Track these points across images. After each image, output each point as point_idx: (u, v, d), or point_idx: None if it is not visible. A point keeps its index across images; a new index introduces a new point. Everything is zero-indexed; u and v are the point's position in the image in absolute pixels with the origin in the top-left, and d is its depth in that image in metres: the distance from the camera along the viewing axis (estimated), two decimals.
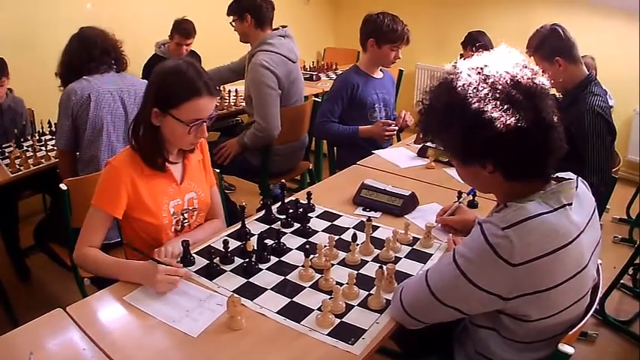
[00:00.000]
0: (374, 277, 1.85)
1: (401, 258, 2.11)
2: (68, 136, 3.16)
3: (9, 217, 3.93)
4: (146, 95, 2.22)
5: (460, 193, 2.43)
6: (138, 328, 1.73)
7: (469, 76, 1.52)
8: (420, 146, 3.41)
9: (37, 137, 3.91)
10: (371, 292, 1.85)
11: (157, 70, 2.20)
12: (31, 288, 3.89)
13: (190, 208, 2.35)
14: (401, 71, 5.94)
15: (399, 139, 4.15)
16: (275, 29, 4.06)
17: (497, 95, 1.46)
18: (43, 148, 3.73)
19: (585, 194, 1.64)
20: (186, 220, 2.34)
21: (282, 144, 4.03)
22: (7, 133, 4.03)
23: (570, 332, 1.55)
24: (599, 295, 1.75)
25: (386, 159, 3.31)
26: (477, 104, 1.46)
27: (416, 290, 1.66)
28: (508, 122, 1.44)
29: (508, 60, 1.55)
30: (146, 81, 3.24)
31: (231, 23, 4.12)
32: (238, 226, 2.30)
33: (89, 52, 3.20)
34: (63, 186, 2.68)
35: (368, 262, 2.07)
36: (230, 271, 2.01)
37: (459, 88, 1.51)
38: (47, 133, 4.06)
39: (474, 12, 6.80)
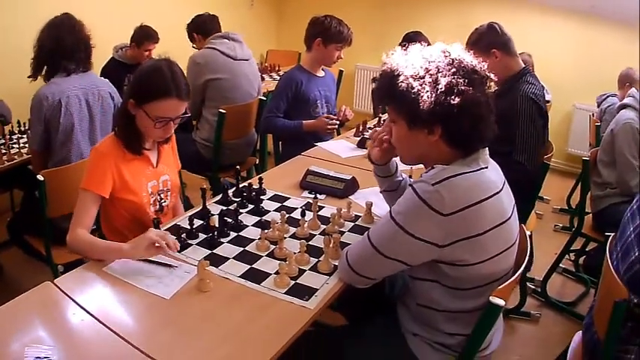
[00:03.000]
0: (322, 247, 2.12)
1: (345, 232, 2.38)
2: (41, 138, 3.28)
3: None
4: (128, 87, 2.45)
5: None
6: (118, 293, 1.94)
7: (442, 54, 1.84)
8: (359, 138, 3.70)
9: (9, 136, 4.04)
10: (320, 259, 2.12)
11: (142, 65, 2.43)
12: (3, 282, 3.97)
13: (165, 189, 2.59)
14: (341, 71, 6.19)
15: (339, 133, 4.42)
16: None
17: (462, 73, 1.78)
18: (15, 145, 3.87)
19: (496, 165, 1.97)
20: (163, 200, 2.58)
21: (231, 139, 4.29)
22: None
23: (501, 286, 1.80)
24: (527, 267, 2.05)
25: (328, 150, 3.59)
26: (449, 78, 1.76)
27: (360, 249, 1.92)
28: (471, 97, 1.77)
29: (465, 52, 1.88)
30: (107, 80, 3.43)
31: (193, 47, 4.76)
32: (200, 207, 2.53)
33: (63, 45, 3.28)
34: (40, 177, 2.85)
35: (316, 235, 2.35)
36: (196, 244, 2.25)
37: (432, 62, 1.81)
38: (16, 132, 4.18)
39: (412, 13, 7.12)
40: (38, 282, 1.96)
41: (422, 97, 1.77)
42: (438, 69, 1.79)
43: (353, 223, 2.48)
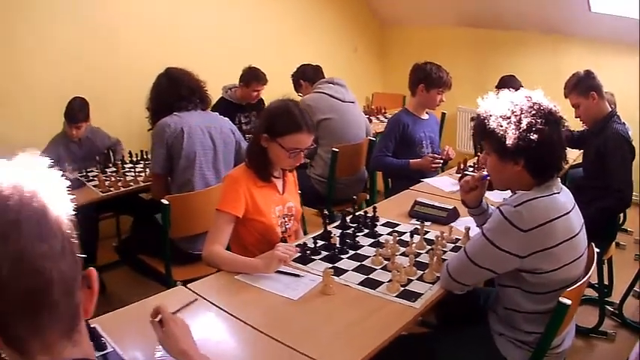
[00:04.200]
0: (427, 262, 2.51)
1: (446, 251, 2.72)
2: (163, 162, 3.58)
3: (91, 236, 4.34)
4: (259, 123, 2.87)
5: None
6: (250, 295, 2.36)
7: (525, 98, 2.23)
8: (460, 175, 4.05)
9: (121, 164, 4.48)
10: (425, 271, 2.48)
11: (271, 105, 2.87)
12: (107, 301, 4.19)
13: (289, 214, 2.97)
14: (444, 114, 6.49)
15: (442, 170, 4.74)
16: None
17: (540, 115, 2.17)
18: (130, 173, 4.34)
19: (568, 191, 2.30)
20: (287, 223, 2.96)
21: (344, 176, 4.69)
22: (85, 160, 4.56)
23: (571, 288, 2.13)
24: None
25: (433, 185, 3.95)
26: (530, 118, 2.15)
27: (458, 260, 2.30)
28: (546, 135, 2.15)
29: (543, 96, 2.26)
30: (227, 119, 3.83)
31: (299, 95, 5.24)
32: (321, 230, 2.93)
33: (177, 91, 3.64)
34: (165, 201, 3.27)
35: (422, 253, 2.71)
36: (319, 259, 2.66)
37: (517, 105, 2.21)
38: (127, 161, 4.67)
39: (507, 59, 7.36)
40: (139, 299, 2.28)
41: (508, 134, 2.17)
42: (522, 111, 2.17)
43: (453, 245, 2.83)
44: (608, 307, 4.08)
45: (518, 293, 2.26)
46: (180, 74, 3.76)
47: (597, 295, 3.95)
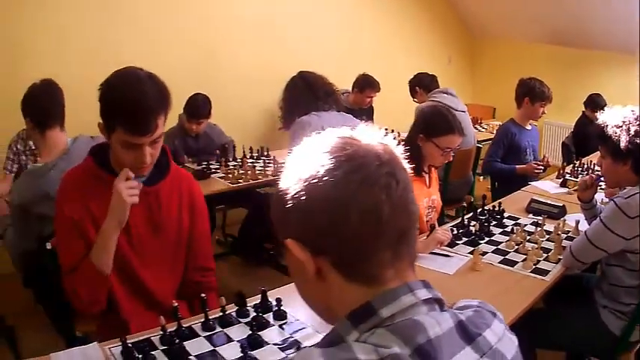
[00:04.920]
0: (549, 247, 3.16)
1: (563, 239, 3.30)
2: None
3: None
4: (415, 124, 3.31)
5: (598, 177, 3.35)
6: None
7: (630, 111, 2.81)
8: (561, 180, 4.66)
9: (247, 159, 4.76)
10: (549, 254, 3.11)
11: (425, 109, 3.36)
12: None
13: (432, 206, 3.50)
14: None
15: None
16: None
17: None
18: (258, 167, 4.63)
19: None
20: (430, 214, 3.53)
21: (454, 178, 5.29)
22: (202, 154, 4.74)
23: None
24: None
25: (539, 187, 4.57)
26: (637, 127, 2.74)
27: (580, 241, 2.90)
28: None
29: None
30: (360, 122, 4.44)
31: (414, 101, 5.88)
32: (456, 221, 3.58)
33: (315, 93, 4.01)
34: None
35: (543, 241, 3.33)
36: (461, 243, 3.29)
37: (626, 117, 2.79)
38: (248, 157, 4.90)
39: (590, 77, 7.86)
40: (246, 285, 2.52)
41: (621, 139, 2.77)
42: (630, 121, 2.77)
43: (566, 235, 3.43)
44: None
45: (621, 271, 2.84)
46: (315, 77, 4.18)
47: None
